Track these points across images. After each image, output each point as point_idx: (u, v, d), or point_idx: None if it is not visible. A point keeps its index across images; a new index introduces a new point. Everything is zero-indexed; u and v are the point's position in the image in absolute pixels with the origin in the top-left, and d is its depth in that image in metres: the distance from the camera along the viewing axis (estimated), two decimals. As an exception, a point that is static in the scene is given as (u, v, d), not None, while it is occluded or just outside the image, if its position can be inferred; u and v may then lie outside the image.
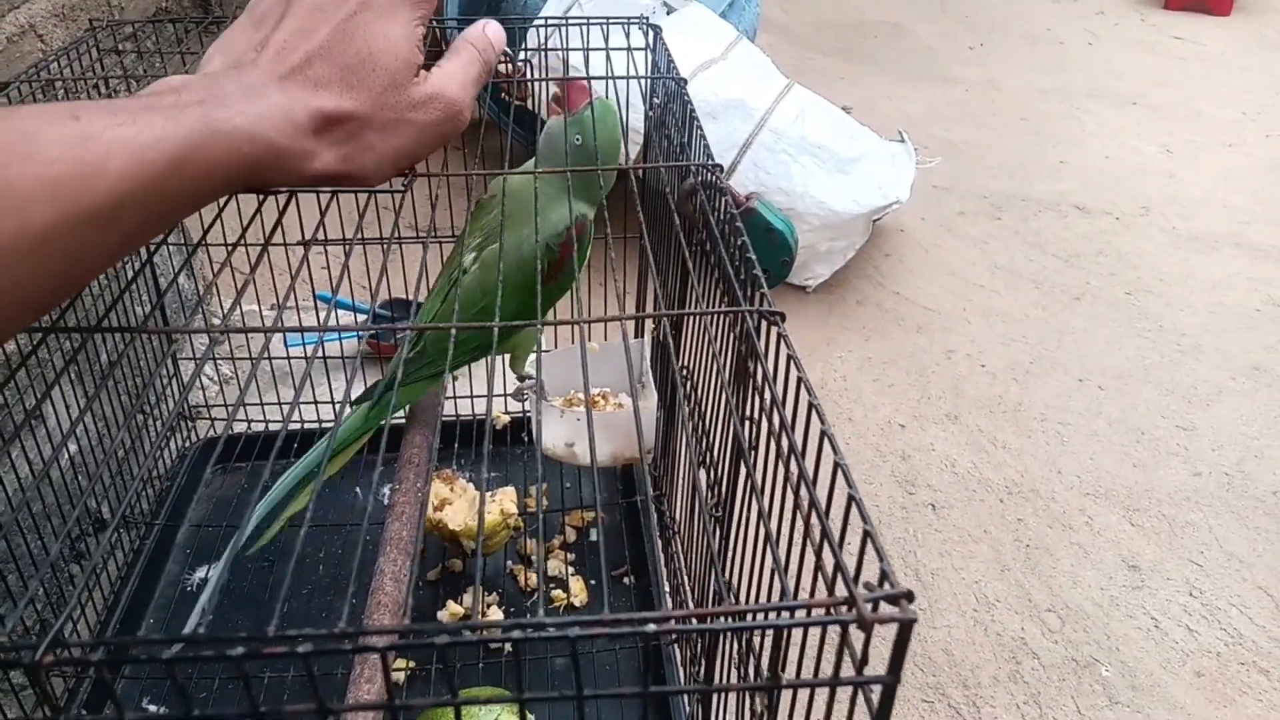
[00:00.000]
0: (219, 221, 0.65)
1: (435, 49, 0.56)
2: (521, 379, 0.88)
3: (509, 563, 0.99)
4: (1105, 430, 1.88)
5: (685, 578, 0.86)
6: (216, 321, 1.29)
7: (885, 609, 0.30)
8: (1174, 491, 1.73)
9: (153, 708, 0.83)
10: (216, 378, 1.29)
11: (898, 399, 1.95)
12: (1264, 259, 2.52)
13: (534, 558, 1.00)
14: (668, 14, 2.26)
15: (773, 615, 0.31)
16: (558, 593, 0.94)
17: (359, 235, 0.69)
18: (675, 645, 0.84)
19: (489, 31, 0.51)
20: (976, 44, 4.09)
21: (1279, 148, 3.18)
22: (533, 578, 0.97)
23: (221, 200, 0.63)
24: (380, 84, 0.44)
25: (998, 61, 3.90)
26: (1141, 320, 2.24)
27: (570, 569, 0.97)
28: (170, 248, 1.20)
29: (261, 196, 0.63)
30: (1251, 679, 1.39)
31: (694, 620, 0.28)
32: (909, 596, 0.30)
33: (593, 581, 0.97)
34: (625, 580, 0.97)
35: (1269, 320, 2.26)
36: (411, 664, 0.87)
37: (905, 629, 0.29)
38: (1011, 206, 2.73)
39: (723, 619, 0.28)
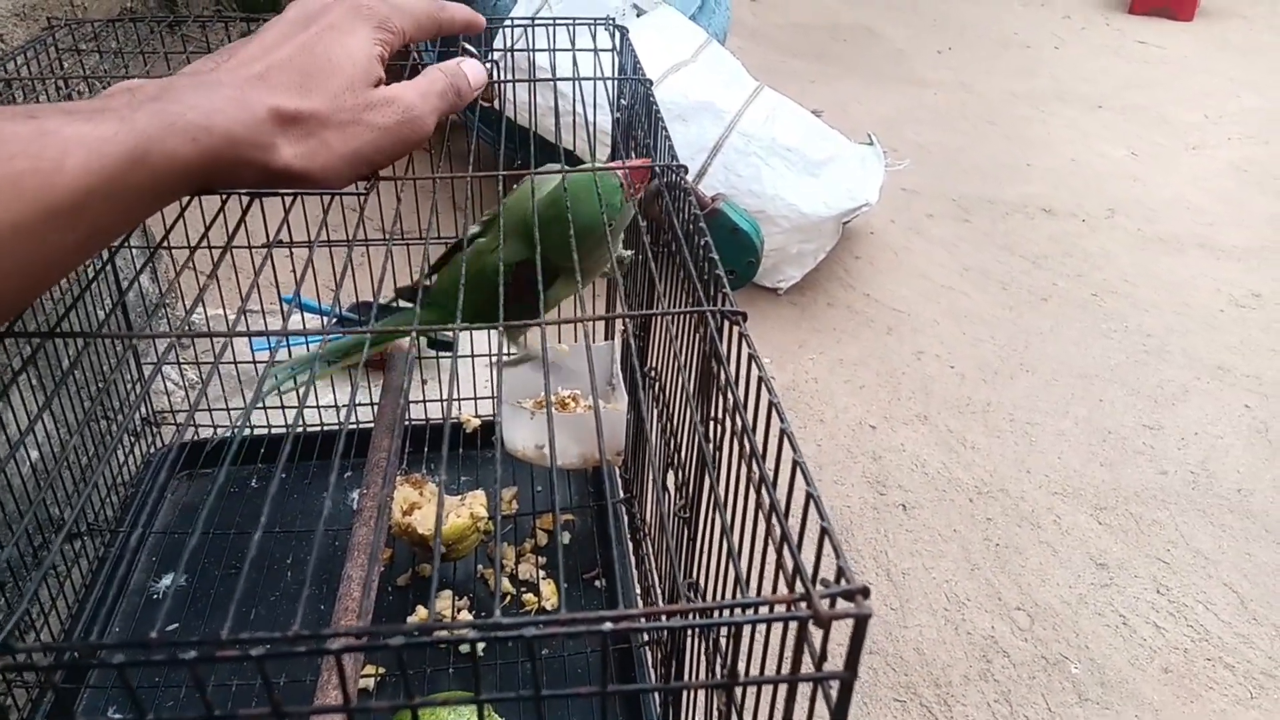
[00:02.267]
0: (182, 222, 0.64)
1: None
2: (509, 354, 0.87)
3: (480, 567, 0.98)
4: (1073, 430, 1.90)
5: (655, 579, 0.86)
6: (178, 327, 1.28)
7: (842, 605, 0.30)
8: (1140, 490, 1.76)
9: (118, 716, 0.82)
10: (181, 383, 1.28)
11: (868, 400, 1.97)
12: (1228, 260, 2.56)
13: (503, 561, 0.99)
14: (637, 16, 2.26)
15: (731, 613, 0.31)
16: (529, 596, 0.94)
17: (323, 237, 0.68)
18: (646, 648, 0.84)
19: (464, 65, 0.52)
20: (946, 48, 4.13)
21: (1242, 150, 3.23)
22: (504, 582, 0.97)
23: (184, 201, 0.62)
24: (336, 87, 0.44)
25: (967, 65, 3.93)
26: (1107, 321, 2.27)
27: (541, 573, 0.97)
28: (133, 249, 1.19)
29: (224, 197, 0.62)
30: (1218, 674, 1.41)
31: (653, 619, 0.28)
32: (865, 592, 0.30)
33: (565, 585, 0.97)
34: (597, 583, 0.97)
35: (1233, 321, 2.29)
36: (381, 670, 0.87)
37: (861, 624, 0.30)
38: (980, 209, 2.76)
39: (680, 617, 0.28)
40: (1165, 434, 1.90)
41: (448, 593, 0.95)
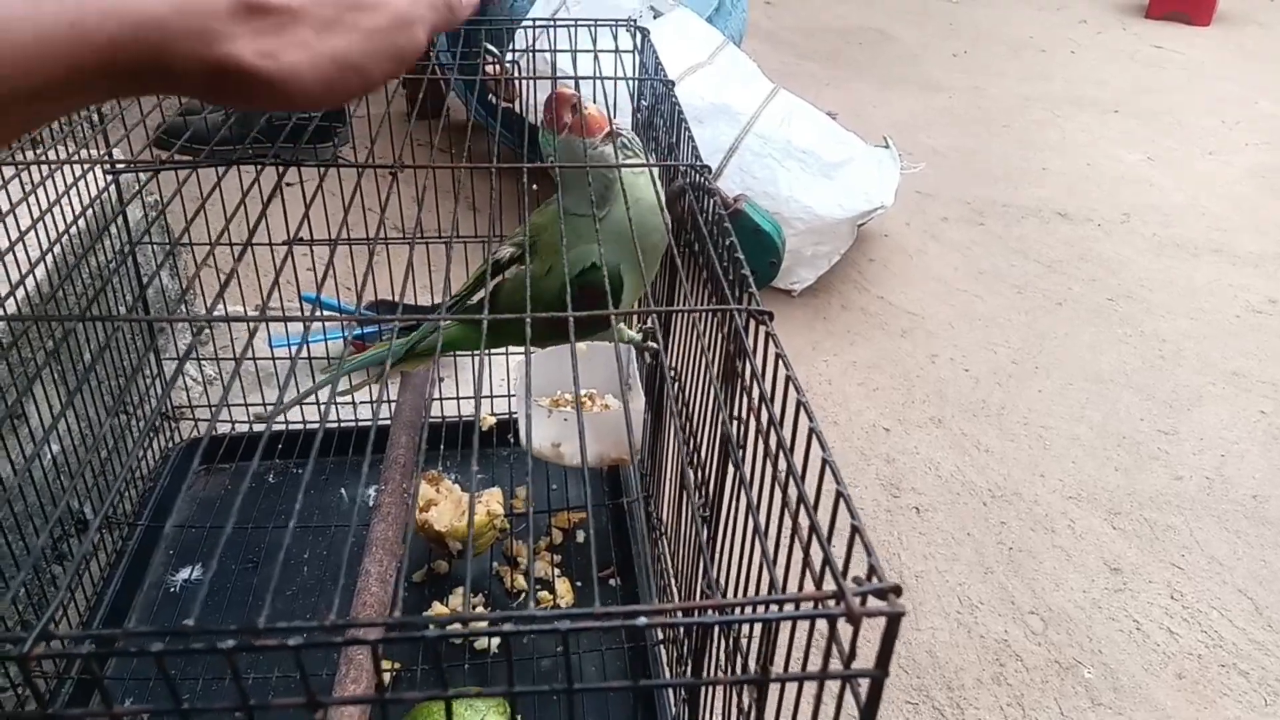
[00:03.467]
0: (202, 217, 0.65)
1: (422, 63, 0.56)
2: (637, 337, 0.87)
3: (495, 564, 0.99)
4: (1087, 434, 1.90)
5: (672, 579, 0.86)
6: (198, 325, 1.29)
7: (873, 603, 0.30)
8: (1155, 495, 1.75)
9: (136, 707, 0.82)
10: (200, 378, 1.29)
11: (882, 403, 1.96)
12: (1243, 266, 2.54)
13: (519, 559, 1.00)
14: (654, 18, 2.26)
15: (762, 609, 0.31)
16: (544, 594, 0.94)
17: (344, 235, 0.69)
18: (662, 646, 0.84)
19: None
20: (960, 51, 4.12)
21: (1258, 157, 3.22)
22: (519, 579, 0.97)
23: (202, 195, 0.62)
24: None
25: (981, 69, 3.92)
26: (1123, 326, 2.26)
27: (556, 570, 0.97)
28: (154, 245, 1.20)
29: (244, 191, 0.62)
30: (1231, 681, 1.40)
31: (685, 614, 0.28)
32: (897, 591, 0.30)
33: (579, 583, 0.97)
34: (611, 581, 0.97)
35: (1248, 327, 2.28)
36: (397, 665, 0.87)
37: (893, 623, 0.30)
38: (994, 213, 2.75)
39: (713, 612, 0.28)
40: (1180, 439, 1.89)
41: (461, 590, 0.96)
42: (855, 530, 0.32)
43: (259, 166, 0.56)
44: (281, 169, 0.62)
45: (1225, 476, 1.80)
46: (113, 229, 1.05)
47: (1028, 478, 1.78)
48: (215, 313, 0.45)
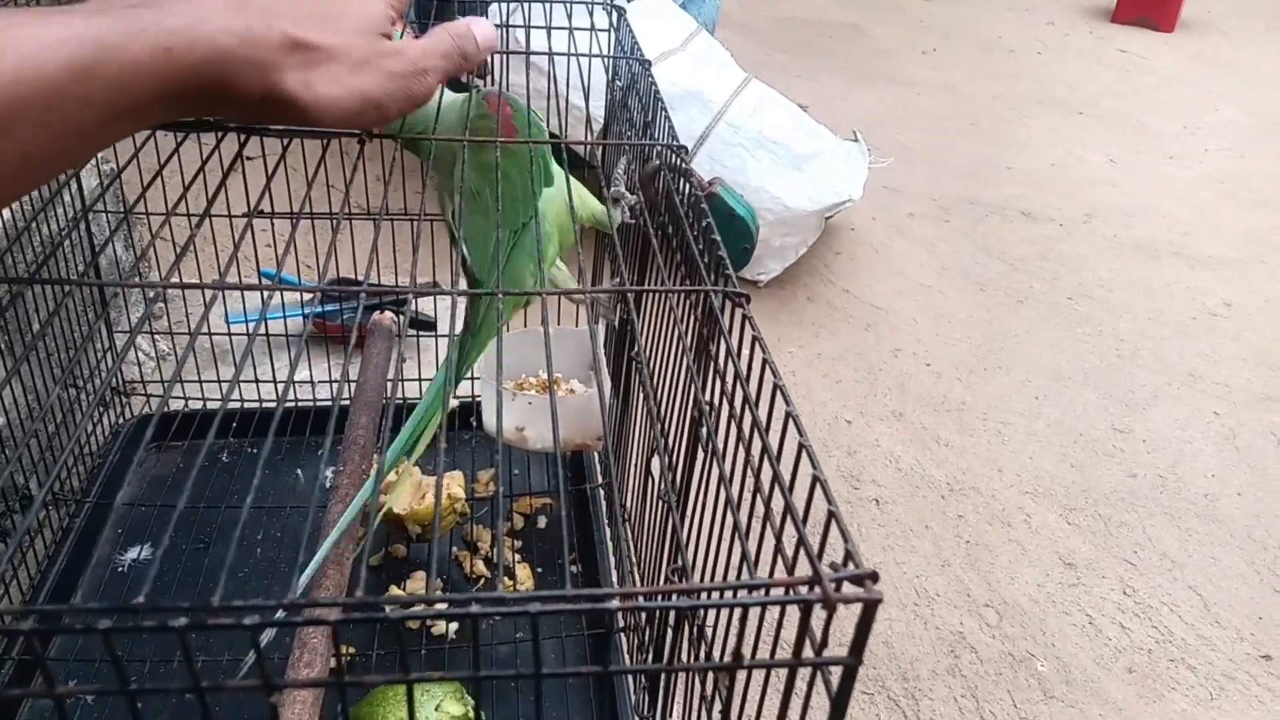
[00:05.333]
0: (159, 184, 0.62)
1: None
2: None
3: (454, 549, 0.97)
4: (1045, 431, 1.92)
5: (634, 565, 0.86)
6: (152, 295, 1.26)
7: (849, 589, 0.29)
8: (1110, 492, 1.77)
9: (79, 688, 0.80)
10: (154, 353, 1.25)
11: (845, 395, 1.97)
12: (1202, 268, 2.59)
13: (479, 544, 0.98)
14: (628, 2, 2.25)
15: (735, 594, 0.31)
16: (504, 580, 0.93)
17: (307, 209, 0.67)
18: (623, 633, 0.83)
19: (474, 26, 0.50)
20: (931, 48, 4.14)
21: (1218, 162, 3.27)
22: (479, 565, 0.96)
23: (160, 158, 0.60)
24: (350, 28, 0.43)
25: (951, 66, 3.95)
26: (1082, 325, 2.29)
27: (517, 556, 0.96)
28: (108, 214, 1.16)
29: (204, 158, 0.60)
30: (1180, 675, 1.43)
31: (658, 597, 0.27)
32: (874, 577, 0.29)
33: (539, 569, 0.96)
34: (573, 568, 0.96)
35: (1205, 328, 2.32)
36: (352, 650, 0.86)
37: (870, 610, 0.29)
38: (960, 209, 2.77)
39: (687, 596, 0.28)
40: (1135, 438, 1.92)
41: (421, 574, 0.94)
42: (831, 515, 0.31)
43: (219, 135, 0.54)
44: (243, 138, 0.60)
45: (1178, 475, 1.83)
46: (65, 195, 1.02)
47: (986, 472, 1.79)
48: (171, 277, 0.44)
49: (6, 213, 0.78)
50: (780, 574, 0.33)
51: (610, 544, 0.96)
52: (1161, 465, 1.85)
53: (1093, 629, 1.49)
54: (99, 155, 1.08)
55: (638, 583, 0.84)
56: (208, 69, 0.37)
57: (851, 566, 0.30)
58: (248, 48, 0.38)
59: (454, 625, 0.87)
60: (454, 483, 0.95)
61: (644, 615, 0.70)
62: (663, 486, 0.63)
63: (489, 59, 0.82)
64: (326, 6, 0.43)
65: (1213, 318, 2.37)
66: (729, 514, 0.35)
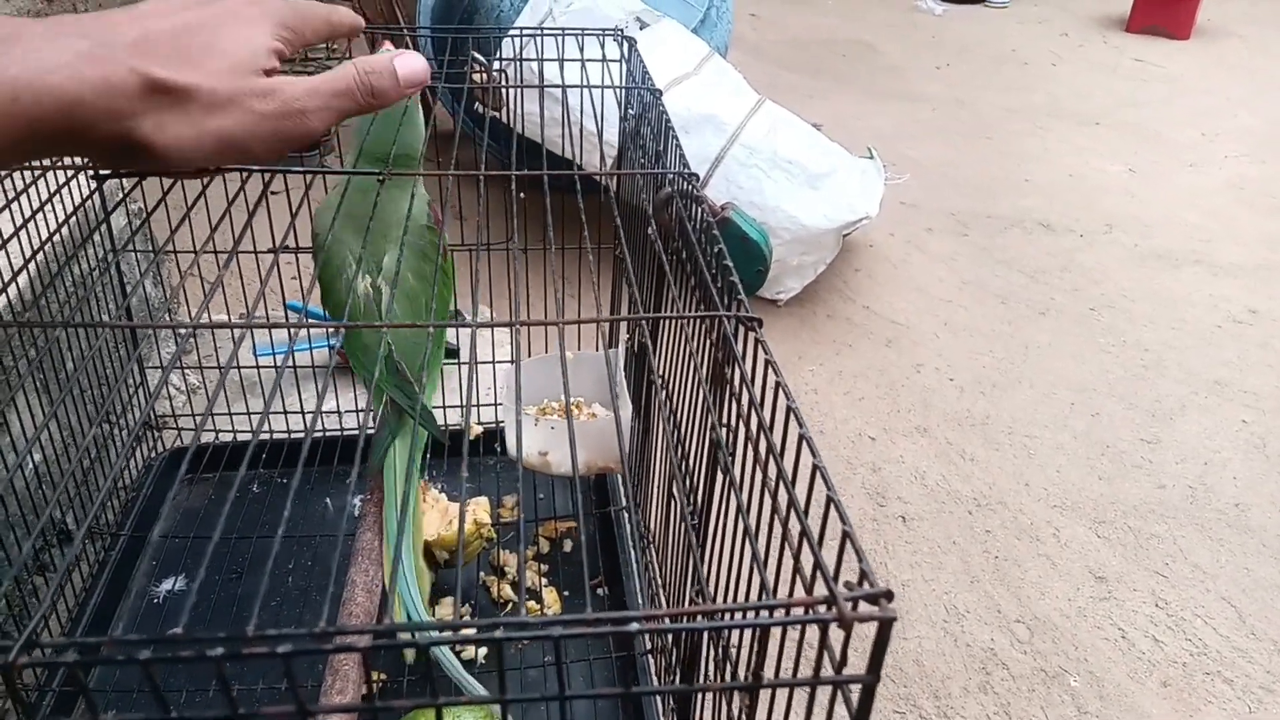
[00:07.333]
0: (187, 224, 0.64)
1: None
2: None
3: (481, 574, 0.98)
4: (1071, 444, 1.91)
5: (660, 587, 0.86)
6: (183, 333, 1.28)
7: (865, 608, 0.30)
8: (1139, 504, 1.76)
9: (117, 721, 0.81)
10: (184, 387, 1.28)
11: (868, 412, 1.97)
12: (1224, 276, 2.57)
13: (506, 568, 0.99)
14: (640, 29, 2.27)
15: (754, 615, 0.31)
16: (531, 604, 0.93)
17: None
18: (650, 656, 0.84)
19: (397, 60, 0.47)
20: (944, 64, 4.15)
21: (1238, 169, 3.25)
22: (506, 589, 0.96)
23: (187, 203, 0.62)
24: (217, 67, 0.41)
25: (964, 81, 3.96)
26: (1105, 336, 2.27)
27: (544, 580, 0.97)
28: (137, 253, 1.19)
29: (230, 199, 0.62)
30: (1216, 688, 1.41)
31: (677, 619, 0.28)
32: (889, 595, 0.30)
33: (566, 593, 0.96)
34: (599, 591, 0.97)
35: (1229, 336, 2.30)
36: (382, 675, 0.87)
37: (885, 628, 0.30)
38: (978, 223, 2.77)
39: (705, 618, 0.28)
40: (1163, 448, 1.90)
41: (449, 599, 0.95)
42: (846, 535, 0.32)
43: (244, 174, 0.56)
44: (267, 177, 0.62)
45: (1208, 485, 1.81)
46: (96, 237, 1.04)
47: (1013, 486, 1.78)
48: (200, 316, 0.45)
49: (39, 256, 0.80)
50: (799, 594, 0.33)
51: (636, 566, 0.96)
52: (1190, 476, 1.83)
53: (1125, 643, 1.48)
54: (128, 196, 1.10)
55: (663, 605, 0.84)
56: (59, 118, 0.37)
57: (867, 585, 0.31)
58: (103, 98, 0.37)
59: (483, 649, 0.88)
60: (480, 509, 0.96)
61: (670, 637, 0.71)
62: (684, 509, 0.64)
63: (504, 92, 0.84)
64: (197, 40, 0.41)
65: (1237, 325, 2.35)
66: (748, 541, 0.35)
